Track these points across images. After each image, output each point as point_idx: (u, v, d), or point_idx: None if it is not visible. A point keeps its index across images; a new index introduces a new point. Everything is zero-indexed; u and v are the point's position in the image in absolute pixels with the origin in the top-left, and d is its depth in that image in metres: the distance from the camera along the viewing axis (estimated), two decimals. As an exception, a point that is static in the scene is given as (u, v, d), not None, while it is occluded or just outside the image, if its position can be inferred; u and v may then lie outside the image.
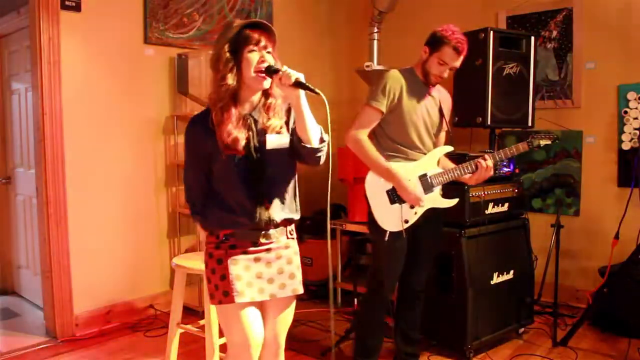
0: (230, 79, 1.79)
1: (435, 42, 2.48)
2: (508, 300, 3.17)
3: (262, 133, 1.84)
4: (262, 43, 1.79)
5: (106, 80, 3.55)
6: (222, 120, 1.79)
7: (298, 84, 1.72)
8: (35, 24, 3.22)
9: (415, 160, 2.54)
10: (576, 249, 3.75)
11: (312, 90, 1.73)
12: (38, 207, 3.43)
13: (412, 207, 2.51)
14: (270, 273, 1.88)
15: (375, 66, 4.16)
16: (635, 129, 3.51)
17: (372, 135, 2.58)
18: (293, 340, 3.29)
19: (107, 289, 3.60)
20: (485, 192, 3.03)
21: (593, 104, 3.70)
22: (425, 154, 2.58)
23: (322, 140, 1.82)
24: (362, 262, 4.09)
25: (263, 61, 1.79)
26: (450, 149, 2.64)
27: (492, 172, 2.52)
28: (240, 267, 1.84)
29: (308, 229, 4.36)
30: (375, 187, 2.53)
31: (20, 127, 4.03)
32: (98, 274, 3.56)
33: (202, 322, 2.73)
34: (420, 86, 2.57)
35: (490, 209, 3.08)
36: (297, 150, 1.84)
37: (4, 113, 4.29)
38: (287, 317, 1.98)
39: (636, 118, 3.51)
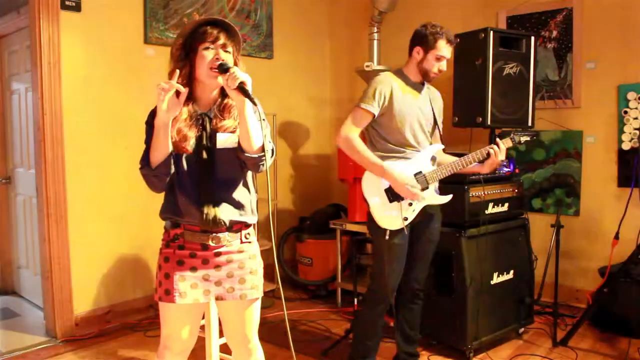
0: (180, 79, 1.74)
1: (427, 40, 2.49)
2: (508, 300, 3.17)
3: (214, 133, 1.79)
4: (220, 41, 1.74)
5: (106, 81, 3.55)
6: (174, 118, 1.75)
7: (240, 89, 1.65)
8: (35, 24, 3.22)
9: (409, 159, 2.55)
10: (576, 249, 3.74)
11: (251, 100, 1.65)
12: (38, 207, 3.43)
13: (410, 204, 2.51)
14: (219, 276, 1.83)
15: (375, 66, 4.16)
16: (635, 129, 3.51)
17: (366, 139, 2.59)
18: (293, 340, 3.29)
19: (107, 289, 3.60)
20: (485, 192, 3.04)
21: (593, 103, 3.69)
22: (420, 152, 2.59)
23: (262, 150, 1.74)
24: (362, 262, 4.09)
25: (218, 58, 1.73)
26: (441, 147, 2.65)
27: (504, 156, 2.53)
28: (186, 269, 1.81)
29: (308, 229, 4.35)
30: (372, 187, 2.53)
31: (20, 127, 4.03)
32: (98, 274, 3.56)
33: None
34: (411, 86, 2.58)
35: (490, 209, 3.08)
36: (238, 155, 1.79)
37: (4, 113, 4.29)
38: (248, 316, 1.92)
39: (636, 118, 3.51)
